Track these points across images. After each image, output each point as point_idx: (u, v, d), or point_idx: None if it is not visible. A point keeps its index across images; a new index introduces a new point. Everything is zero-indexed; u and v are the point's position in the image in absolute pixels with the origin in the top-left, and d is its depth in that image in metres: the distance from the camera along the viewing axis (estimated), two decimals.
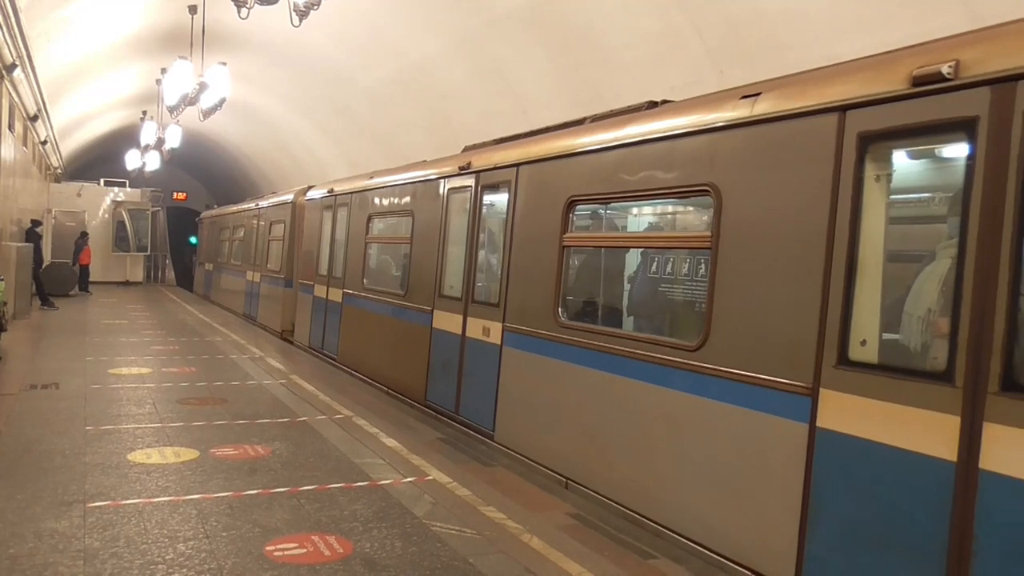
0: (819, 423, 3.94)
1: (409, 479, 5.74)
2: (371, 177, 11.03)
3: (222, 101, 13.31)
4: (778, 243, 4.35)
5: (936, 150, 3.96)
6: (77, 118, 20.92)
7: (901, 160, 4.06)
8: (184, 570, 3.93)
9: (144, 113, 21.29)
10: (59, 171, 26.03)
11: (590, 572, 4.21)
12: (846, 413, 3.80)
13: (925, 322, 3.81)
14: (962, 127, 3.44)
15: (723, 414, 4.55)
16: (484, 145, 8.36)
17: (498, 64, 11.47)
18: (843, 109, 3.95)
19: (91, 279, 22.68)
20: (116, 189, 26.86)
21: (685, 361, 4.87)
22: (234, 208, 22.28)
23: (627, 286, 7.15)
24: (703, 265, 5.57)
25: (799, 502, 3.99)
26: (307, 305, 13.31)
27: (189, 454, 6.05)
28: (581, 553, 4.47)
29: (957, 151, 3.61)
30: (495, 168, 7.39)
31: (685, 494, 4.81)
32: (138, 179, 26.59)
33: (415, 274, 9.07)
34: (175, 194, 34.70)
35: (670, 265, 6.51)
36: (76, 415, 7.12)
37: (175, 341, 12.77)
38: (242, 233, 19.84)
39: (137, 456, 5.92)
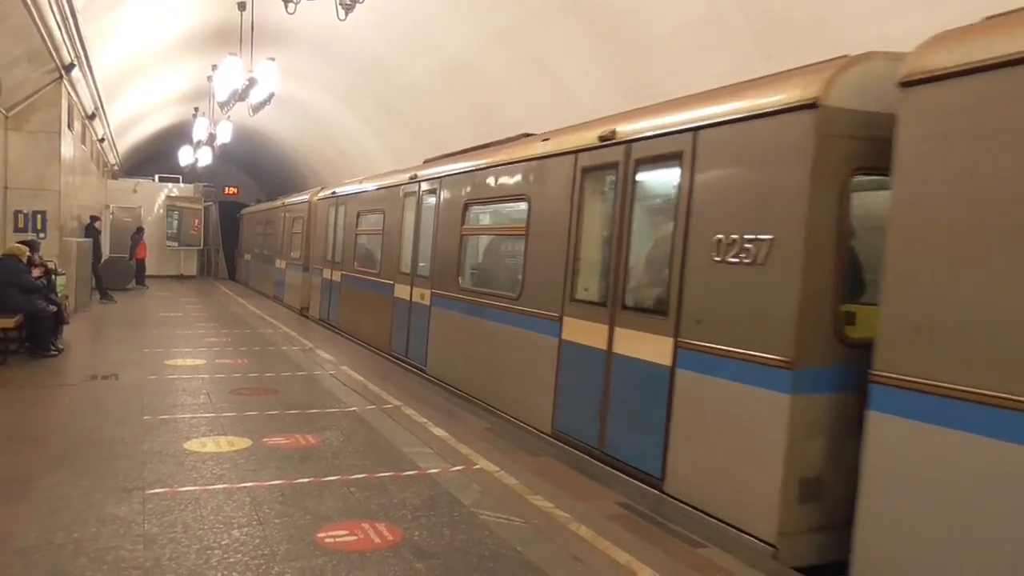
0: (563, 336, 6.89)
1: (457, 468, 5.78)
2: (361, 182, 14.33)
3: (271, 96, 13.51)
4: (552, 230, 7.21)
5: (610, 176, 6.48)
6: (132, 116, 21.43)
7: (597, 181, 6.74)
8: (239, 555, 4.02)
9: (196, 109, 21.72)
10: (116, 168, 26.71)
11: (639, 561, 4.19)
12: (571, 328, 6.79)
13: (597, 274, 6.64)
14: (615, 167, 6.33)
15: (528, 337, 7.52)
16: (437, 158, 11.14)
17: (541, 54, 11.41)
18: (576, 152, 6.92)
19: (147, 273, 23.28)
20: (170, 185, 27.50)
21: (511, 306, 7.86)
22: (267, 206, 25.85)
23: (489, 260, 9.77)
24: (522, 245, 7.81)
25: (553, 384, 6.98)
26: (317, 285, 16.46)
27: (242, 443, 6.18)
28: (630, 542, 4.45)
29: (616, 178, 6.32)
30: (441, 178, 10.11)
31: (513, 388, 7.81)
32: (191, 175, 27.17)
33: (385, 253, 12.16)
34: (227, 189, 35.37)
35: (509, 246, 8.92)
36: (134, 405, 7.33)
37: (228, 333, 13.04)
38: (272, 227, 23.02)
39: (192, 445, 6.07)
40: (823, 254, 4.48)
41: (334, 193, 15.60)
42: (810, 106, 4.48)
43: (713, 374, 5.09)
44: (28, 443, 5.98)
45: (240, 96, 13.47)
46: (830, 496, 4.49)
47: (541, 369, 7.19)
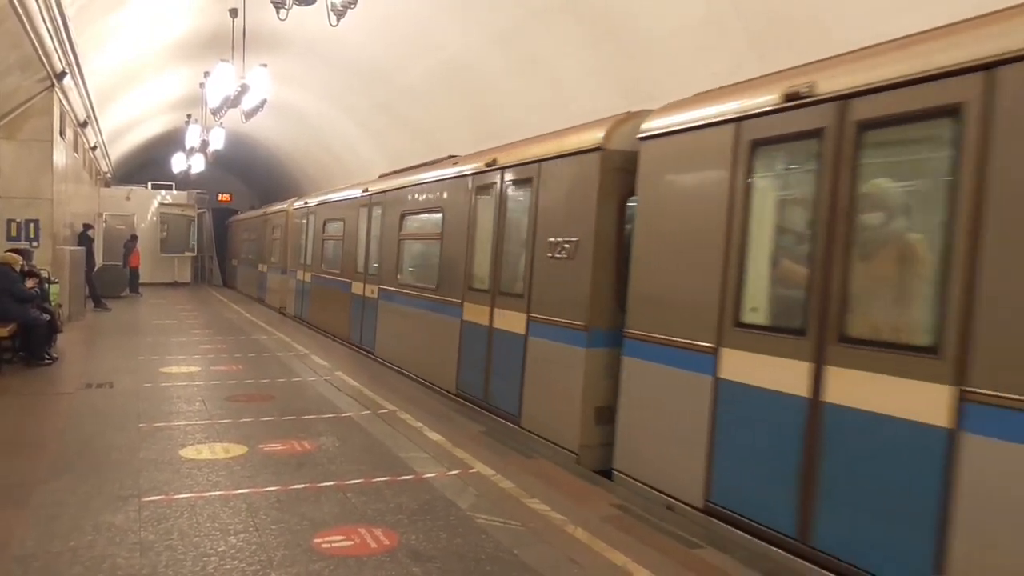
0: (464, 317, 8.76)
1: (453, 472, 5.79)
2: (328, 194, 16.40)
3: (263, 102, 13.51)
4: (457, 235, 9.09)
5: (492, 194, 8.32)
6: (125, 123, 21.41)
7: (484, 196, 8.57)
8: (235, 562, 4.02)
9: (189, 116, 21.71)
10: (108, 176, 26.66)
11: (635, 562, 4.20)
12: (469, 310, 8.63)
13: (485, 269, 8.35)
14: (494, 186, 8.23)
15: (442, 319, 9.38)
16: (389, 174, 13.13)
17: (539, 56, 11.43)
18: (472, 175, 8.84)
19: (141, 280, 23.24)
20: (163, 192, 27.45)
21: (431, 296, 9.77)
22: (251, 214, 27.72)
23: (418, 260, 11.15)
24: (438, 247, 9.71)
25: (457, 354, 8.90)
26: (292, 285, 18.60)
27: (238, 449, 6.18)
28: (626, 543, 4.47)
29: (495, 195, 8.24)
30: (385, 192, 12.09)
31: (434, 361, 9.59)
32: (184, 182, 27.13)
33: (345, 256, 14.05)
34: (220, 195, 35.35)
35: (431, 248, 10.17)
36: (130, 413, 7.32)
37: (222, 340, 13.03)
38: (255, 234, 25.05)
39: (188, 452, 6.07)
40: (607, 251, 6.43)
41: (306, 203, 17.75)
42: (597, 149, 6.44)
43: (546, 338, 7.07)
44: (24, 451, 5.98)
45: (233, 102, 13.47)
46: (615, 419, 6.13)
47: (449, 343, 9.11)
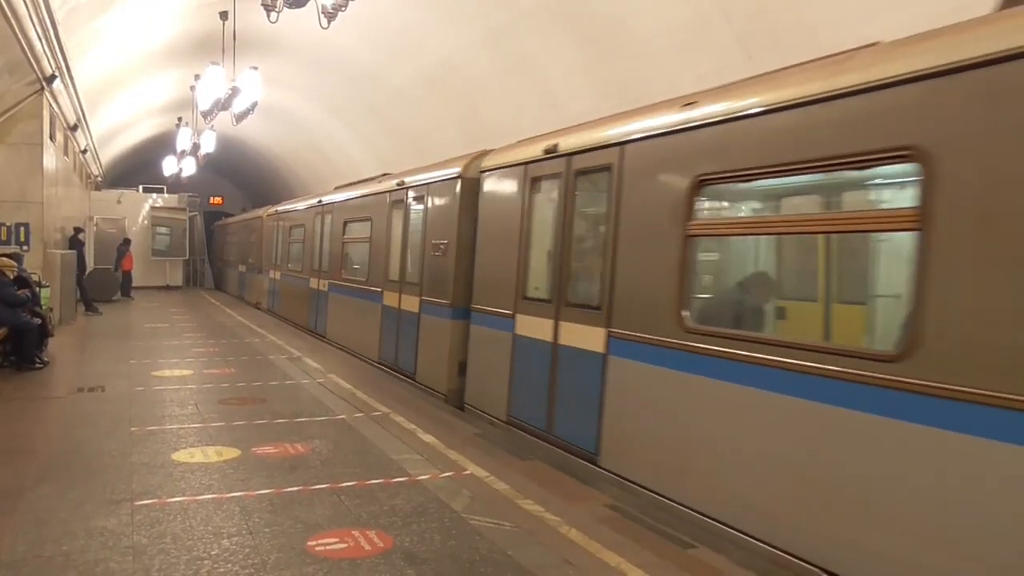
0: (383, 302, 11.19)
1: (447, 474, 5.78)
2: (294, 203, 18.88)
3: (254, 105, 13.48)
4: (380, 238, 11.47)
5: (401, 206, 10.88)
6: (115, 126, 21.33)
7: (397, 208, 11.16)
8: (229, 565, 4.01)
9: (180, 119, 21.64)
10: (99, 179, 26.56)
11: (629, 562, 4.20)
12: (387, 297, 11.12)
13: (398, 264, 10.77)
14: (403, 200, 10.79)
15: (369, 304, 11.74)
16: (343, 186, 15.35)
17: (526, 58, 11.45)
18: (388, 192, 11.47)
19: (133, 284, 23.15)
20: (154, 195, 27.36)
21: (362, 287, 12.19)
22: (232, 220, 30.62)
23: (355, 259, 13.40)
24: (367, 248, 12.19)
25: (378, 331, 11.34)
26: (264, 283, 21.35)
27: (231, 453, 6.16)
28: (620, 543, 4.47)
29: (403, 207, 10.84)
30: (328, 203, 14.87)
31: (364, 338, 11.82)
32: (175, 185, 27.05)
33: (306, 256, 16.44)
34: (211, 199, 35.25)
35: (364, 249, 12.49)
36: (122, 417, 7.29)
37: (215, 343, 12.99)
38: (236, 238, 27.79)
39: (181, 455, 6.05)
40: (464, 251, 8.76)
41: (276, 211, 20.42)
42: (457, 177, 8.95)
43: (430, 314, 9.51)
44: (15, 456, 5.94)
45: (223, 105, 13.44)
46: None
47: (372, 323, 11.59)
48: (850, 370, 3.99)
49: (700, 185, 5.22)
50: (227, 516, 4.74)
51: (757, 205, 6.25)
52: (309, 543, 4.34)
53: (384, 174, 12.88)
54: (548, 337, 6.86)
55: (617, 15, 9.39)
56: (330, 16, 8.53)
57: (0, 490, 5.09)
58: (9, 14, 8.02)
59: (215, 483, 5.40)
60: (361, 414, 7.76)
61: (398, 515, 4.85)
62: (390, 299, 10.94)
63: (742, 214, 6.35)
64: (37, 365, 9.79)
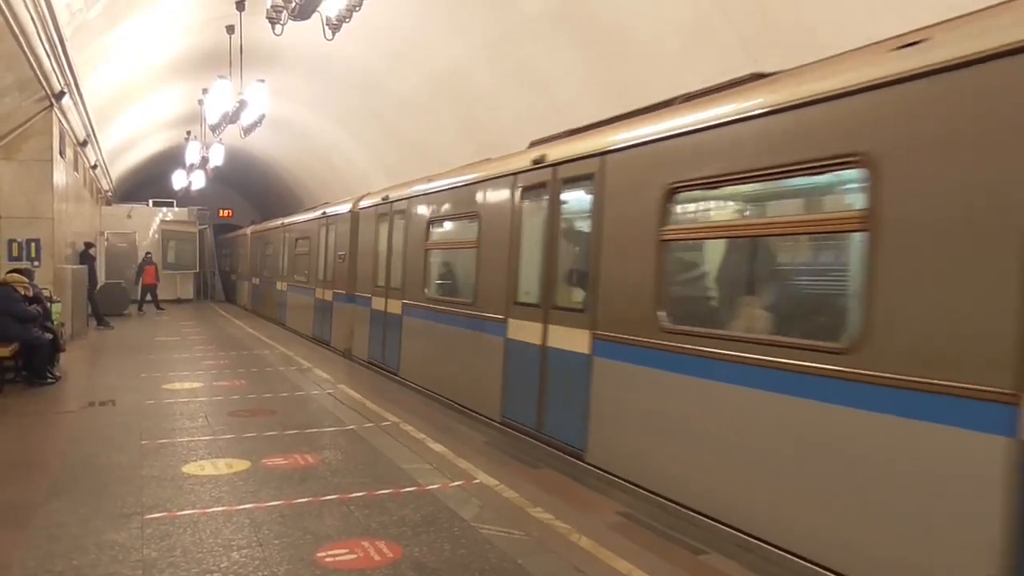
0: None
1: (456, 483, 5.76)
2: (271, 221, 23.45)
3: (262, 117, 13.57)
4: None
5: (346, 223, 14.49)
6: (124, 141, 21.48)
7: (339, 225, 15.14)
8: None
9: (188, 133, 21.79)
10: (109, 194, 26.75)
11: (641, 570, 4.18)
12: (324, 294, 15.80)
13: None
14: (348, 217, 14.46)
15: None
16: (305, 210, 19.30)
17: (529, 64, 11.47)
18: (319, 217, 16.78)
19: (147, 298, 23.33)
20: (164, 209, 27.52)
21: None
22: (230, 235, 33.24)
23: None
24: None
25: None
26: (248, 289, 26.13)
27: (241, 465, 6.17)
28: (631, 551, 4.44)
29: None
30: (286, 224, 19.21)
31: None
32: (185, 198, 27.21)
33: (278, 266, 20.83)
34: (221, 211, 35.43)
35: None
36: (132, 430, 7.31)
37: (225, 355, 13.03)
38: (232, 250, 31.85)
39: (191, 468, 6.05)
40: (352, 258, 13.34)
41: (256, 229, 24.91)
42: (352, 210, 13.60)
43: (341, 302, 14.07)
44: (26, 470, 5.96)
45: (231, 118, 13.53)
46: None
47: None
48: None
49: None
50: (237, 528, 4.74)
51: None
52: (319, 554, 4.33)
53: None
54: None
55: (618, 19, 9.39)
56: (334, 27, 8.57)
57: (12, 505, 5.11)
58: (17, 32, 8.09)
59: (225, 495, 5.40)
60: (371, 424, 7.76)
61: (407, 525, 4.83)
62: (326, 295, 15.34)
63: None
64: (49, 380, 9.84)
